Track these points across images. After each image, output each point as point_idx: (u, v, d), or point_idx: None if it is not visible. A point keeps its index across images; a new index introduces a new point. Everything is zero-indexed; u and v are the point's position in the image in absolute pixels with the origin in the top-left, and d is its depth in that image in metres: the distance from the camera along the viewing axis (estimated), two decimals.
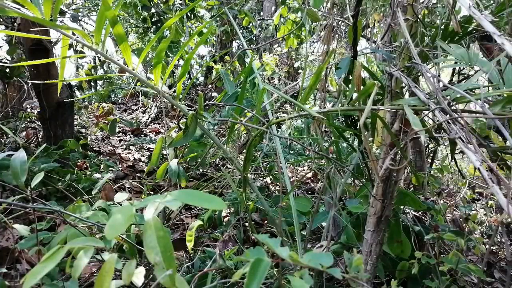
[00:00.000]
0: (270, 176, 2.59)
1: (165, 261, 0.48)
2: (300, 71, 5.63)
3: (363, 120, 0.78)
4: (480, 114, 0.76)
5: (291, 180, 2.82)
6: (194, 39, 3.99)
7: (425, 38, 1.03)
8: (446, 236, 1.00)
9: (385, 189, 1.05)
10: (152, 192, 2.62)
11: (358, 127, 1.33)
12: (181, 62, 4.82)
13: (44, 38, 1.34)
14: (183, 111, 1.18)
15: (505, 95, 0.78)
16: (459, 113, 0.73)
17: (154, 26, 4.03)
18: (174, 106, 1.21)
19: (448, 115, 0.74)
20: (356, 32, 1.20)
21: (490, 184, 0.60)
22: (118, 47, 1.09)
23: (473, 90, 0.88)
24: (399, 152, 0.98)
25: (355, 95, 0.98)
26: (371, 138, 1.07)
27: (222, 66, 4.08)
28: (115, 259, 0.51)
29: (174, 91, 1.21)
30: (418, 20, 0.97)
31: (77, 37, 1.07)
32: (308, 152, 2.47)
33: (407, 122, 0.95)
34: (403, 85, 1.00)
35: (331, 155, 2.24)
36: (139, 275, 0.67)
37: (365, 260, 1.10)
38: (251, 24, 5.13)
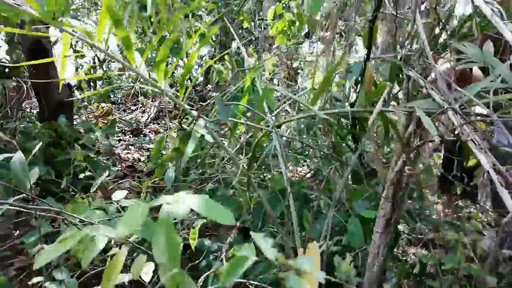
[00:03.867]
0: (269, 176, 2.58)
1: (170, 260, 0.48)
2: (299, 71, 5.62)
3: (371, 120, 0.78)
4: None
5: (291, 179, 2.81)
6: (194, 40, 3.97)
7: (440, 39, 1.03)
8: (449, 235, 0.99)
9: (395, 191, 1.03)
10: (151, 191, 2.61)
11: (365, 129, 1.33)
12: (181, 62, 4.81)
13: (44, 35, 1.33)
14: (186, 110, 1.17)
15: None
16: (472, 116, 0.73)
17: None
18: (175, 106, 1.21)
19: (460, 118, 0.73)
20: (372, 36, 1.20)
21: (499, 187, 0.60)
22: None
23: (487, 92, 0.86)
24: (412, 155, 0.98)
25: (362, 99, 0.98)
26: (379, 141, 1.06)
27: (222, 64, 4.06)
28: (125, 253, 0.50)
29: (176, 90, 1.21)
30: (440, 22, 0.96)
31: (79, 35, 1.06)
32: (309, 151, 2.46)
33: (423, 125, 0.94)
34: (420, 88, 0.98)
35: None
36: (147, 271, 0.67)
37: (372, 262, 1.08)
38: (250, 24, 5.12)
